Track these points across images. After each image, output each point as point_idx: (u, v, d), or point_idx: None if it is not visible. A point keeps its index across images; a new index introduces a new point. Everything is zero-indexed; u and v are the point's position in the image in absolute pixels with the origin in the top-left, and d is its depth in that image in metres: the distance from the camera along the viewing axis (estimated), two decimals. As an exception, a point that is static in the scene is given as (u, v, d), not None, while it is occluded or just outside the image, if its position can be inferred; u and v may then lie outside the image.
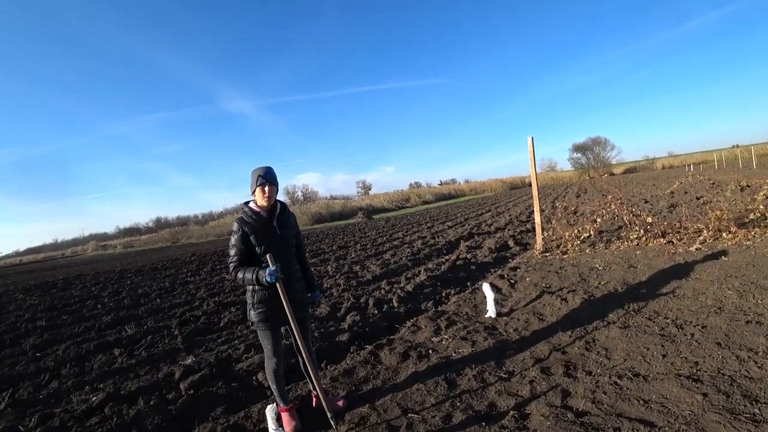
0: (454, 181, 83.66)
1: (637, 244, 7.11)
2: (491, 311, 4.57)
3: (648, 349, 3.30)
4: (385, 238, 14.72)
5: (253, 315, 2.86)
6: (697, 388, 2.63)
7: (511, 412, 2.76)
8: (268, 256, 2.67)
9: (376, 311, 5.52)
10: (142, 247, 39.99)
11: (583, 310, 4.38)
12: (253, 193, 2.83)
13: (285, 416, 2.98)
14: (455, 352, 3.86)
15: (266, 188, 2.76)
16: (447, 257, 8.54)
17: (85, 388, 4.33)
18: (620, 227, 8.77)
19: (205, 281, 10.26)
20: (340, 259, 10.66)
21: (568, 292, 5.04)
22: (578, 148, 67.25)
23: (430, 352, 3.96)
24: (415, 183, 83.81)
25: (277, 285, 2.68)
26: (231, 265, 2.81)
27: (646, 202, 13.61)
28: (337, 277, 8.09)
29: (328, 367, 4.04)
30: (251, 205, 2.86)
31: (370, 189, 78.19)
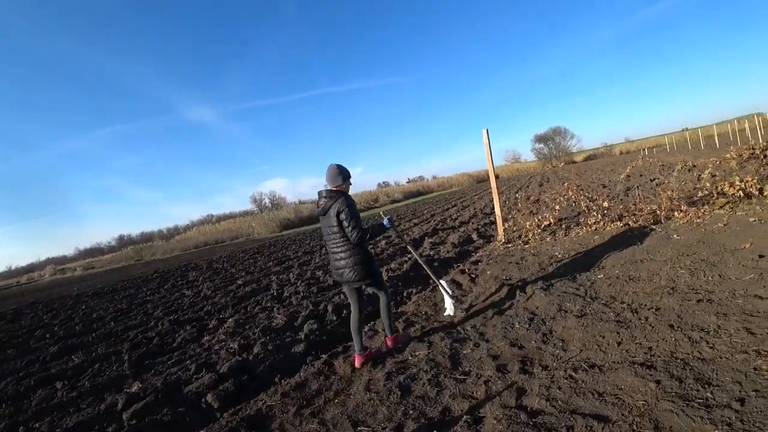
0: (422, 178, 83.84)
1: (596, 229, 7.15)
2: (449, 309, 4.42)
3: (603, 337, 3.21)
4: (351, 239, 14.45)
5: (372, 270, 3.65)
6: (651, 375, 2.54)
7: (465, 416, 2.60)
8: (381, 211, 4.41)
9: (334, 317, 5.29)
10: (104, 268, 37.73)
11: (542, 300, 4.28)
12: (346, 184, 3.64)
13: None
14: (411, 356, 3.68)
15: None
16: (410, 255, 8.37)
17: (19, 429, 3.91)
18: (579, 213, 8.85)
19: (164, 299, 9.71)
20: (304, 266, 10.33)
21: (528, 283, 4.95)
22: (540, 139, 68.67)
23: (386, 357, 3.76)
24: (384, 182, 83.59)
25: (394, 228, 3.94)
26: (363, 227, 3.49)
27: (605, 187, 13.91)
28: (297, 284, 7.78)
29: (282, 381, 3.80)
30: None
31: (338, 191, 77.51)
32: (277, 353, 4.47)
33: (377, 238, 10.18)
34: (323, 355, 4.13)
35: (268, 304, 6.68)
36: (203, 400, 3.78)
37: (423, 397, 2.97)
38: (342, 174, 3.59)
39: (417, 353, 3.68)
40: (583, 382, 2.67)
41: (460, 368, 3.29)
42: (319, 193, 3.64)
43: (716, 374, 2.43)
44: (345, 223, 3.44)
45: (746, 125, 29.93)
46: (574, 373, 2.79)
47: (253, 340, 4.98)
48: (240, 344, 4.90)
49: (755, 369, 2.39)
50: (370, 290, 3.86)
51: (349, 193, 3.72)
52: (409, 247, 4.07)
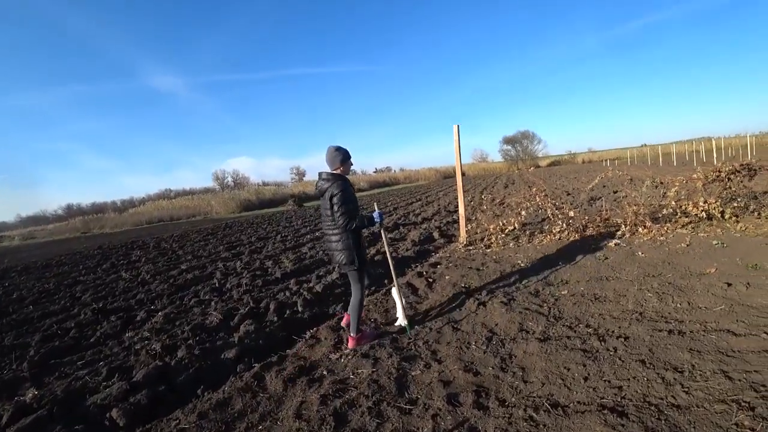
0: (389, 168, 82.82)
1: (560, 239, 6.95)
2: (401, 319, 3.98)
3: (568, 369, 2.86)
4: (309, 228, 13.80)
5: (357, 259, 3.58)
6: (623, 425, 2.19)
7: (406, 463, 2.17)
8: (375, 203, 4.26)
9: (275, 318, 4.75)
10: (46, 239, 34.67)
11: (502, 317, 3.93)
12: (345, 166, 3.63)
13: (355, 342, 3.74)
14: (353, 373, 3.23)
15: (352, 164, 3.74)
16: (367, 251, 7.91)
17: None
18: (543, 220, 8.67)
19: (98, 281, 8.77)
20: (255, 253, 9.66)
21: (488, 294, 4.60)
22: (508, 141, 69.54)
23: (325, 373, 3.29)
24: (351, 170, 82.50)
25: (382, 224, 3.78)
26: (352, 215, 3.46)
27: (568, 194, 13.94)
28: (243, 274, 7.16)
29: (204, 395, 3.26)
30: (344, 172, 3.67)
31: (304, 175, 75.97)
32: (204, 359, 3.91)
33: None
34: (255, 365, 3.61)
35: (207, 297, 6.04)
36: (108, 415, 3.18)
37: (360, 431, 2.52)
38: (341, 156, 3.60)
39: (360, 371, 3.23)
40: (544, 426, 2.30)
41: (406, 395, 2.87)
42: (319, 174, 3.64)
43: (694, 429, 2.11)
44: (335, 208, 3.45)
45: (702, 146, 31.38)
46: (534, 414, 2.42)
47: (181, 340, 4.38)
48: (164, 345, 4.28)
49: (737, 425, 2.09)
50: (350, 277, 3.77)
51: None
52: (386, 248, 4.08)
